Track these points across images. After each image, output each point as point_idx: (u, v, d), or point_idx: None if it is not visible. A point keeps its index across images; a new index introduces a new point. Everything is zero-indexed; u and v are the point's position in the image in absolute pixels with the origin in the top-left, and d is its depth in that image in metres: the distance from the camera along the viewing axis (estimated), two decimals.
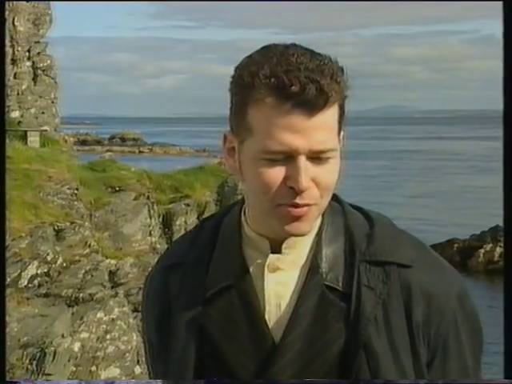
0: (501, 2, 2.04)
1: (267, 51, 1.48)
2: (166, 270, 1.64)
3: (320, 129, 1.45)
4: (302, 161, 1.45)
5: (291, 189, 1.46)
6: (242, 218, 1.59)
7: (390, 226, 1.60)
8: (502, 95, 2.02)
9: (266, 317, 1.53)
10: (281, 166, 1.46)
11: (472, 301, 1.59)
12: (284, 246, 1.54)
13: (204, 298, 1.56)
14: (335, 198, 1.59)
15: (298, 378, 1.51)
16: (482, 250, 27.65)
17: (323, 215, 1.57)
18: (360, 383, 1.49)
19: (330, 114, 1.47)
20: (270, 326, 1.52)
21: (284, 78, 1.43)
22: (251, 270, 1.55)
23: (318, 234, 1.56)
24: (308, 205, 1.48)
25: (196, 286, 1.58)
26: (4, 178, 2.07)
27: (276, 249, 1.55)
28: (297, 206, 1.47)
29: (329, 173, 1.48)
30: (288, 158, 1.46)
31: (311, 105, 1.44)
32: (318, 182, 1.47)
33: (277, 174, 1.46)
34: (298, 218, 1.48)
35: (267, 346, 1.52)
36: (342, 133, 1.52)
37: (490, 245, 27.54)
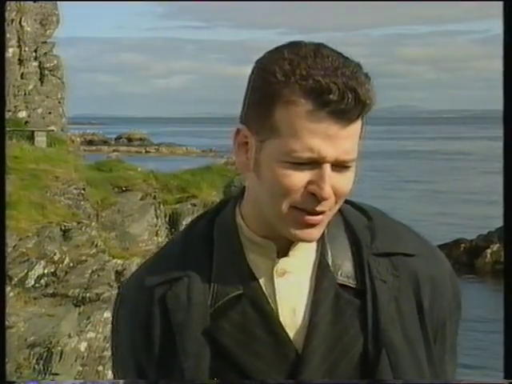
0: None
1: (298, 49, 1.41)
2: (157, 287, 1.50)
3: (349, 138, 1.41)
4: (328, 169, 1.41)
5: (312, 195, 1.42)
6: (239, 221, 1.52)
7: (386, 217, 1.60)
8: (502, 95, 2.01)
9: (282, 323, 1.47)
10: (305, 171, 1.41)
11: (457, 278, 1.60)
12: (292, 248, 1.50)
13: (212, 311, 1.48)
14: None
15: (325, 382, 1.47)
16: (489, 251, 27.59)
17: None
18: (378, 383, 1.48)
19: (359, 124, 1.43)
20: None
21: (322, 83, 1.37)
22: (259, 276, 1.49)
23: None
24: (324, 212, 1.44)
25: (201, 299, 1.48)
26: (4, 177, 2.07)
27: (282, 252, 1.50)
28: (315, 213, 1.43)
29: (347, 181, 1.44)
30: (313, 163, 1.41)
31: (348, 114, 1.39)
32: (337, 189, 1.43)
33: (300, 178, 1.41)
34: (312, 225, 1.44)
35: (291, 353, 1.46)
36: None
37: (497, 245, 27.46)
